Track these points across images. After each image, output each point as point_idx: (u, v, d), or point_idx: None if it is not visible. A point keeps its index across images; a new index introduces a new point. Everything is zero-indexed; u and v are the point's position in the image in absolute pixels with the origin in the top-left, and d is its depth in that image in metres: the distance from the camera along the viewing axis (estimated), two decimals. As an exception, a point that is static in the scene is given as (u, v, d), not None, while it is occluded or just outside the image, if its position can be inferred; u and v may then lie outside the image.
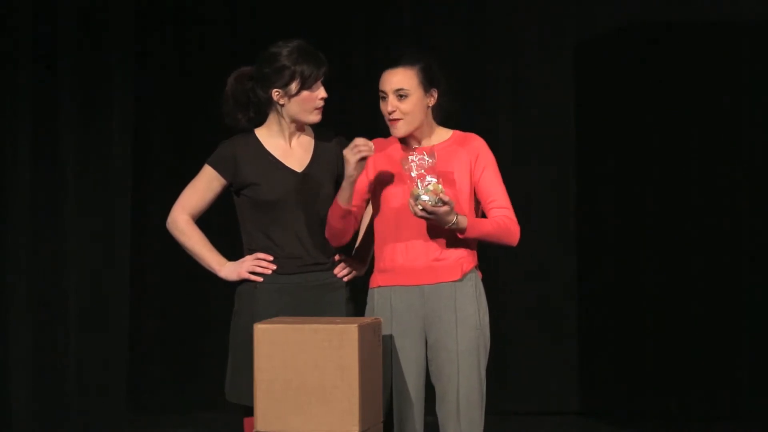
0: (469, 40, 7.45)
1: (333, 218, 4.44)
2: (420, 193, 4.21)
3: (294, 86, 4.47)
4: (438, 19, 7.53)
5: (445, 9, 7.54)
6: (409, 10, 7.58)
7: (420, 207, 4.21)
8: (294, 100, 4.48)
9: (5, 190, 7.07)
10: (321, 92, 4.50)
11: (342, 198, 4.39)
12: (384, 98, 4.41)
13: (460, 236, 4.34)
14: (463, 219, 4.30)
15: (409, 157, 4.25)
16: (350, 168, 4.32)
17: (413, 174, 4.22)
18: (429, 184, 4.21)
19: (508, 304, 7.40)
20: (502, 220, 4.39)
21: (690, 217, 7.40)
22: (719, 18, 7.38)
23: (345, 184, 4.36)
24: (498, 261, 7.25)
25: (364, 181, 4.45)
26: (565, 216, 7.55)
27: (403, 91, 4.38)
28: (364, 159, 4.31)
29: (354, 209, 4.42)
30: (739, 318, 7.36)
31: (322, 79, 4.50)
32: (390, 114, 4.40)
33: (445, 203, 4.21)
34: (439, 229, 4.32)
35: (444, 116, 4.51)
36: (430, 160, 4.23)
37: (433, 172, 4.23)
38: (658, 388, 7.41)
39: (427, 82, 4.40)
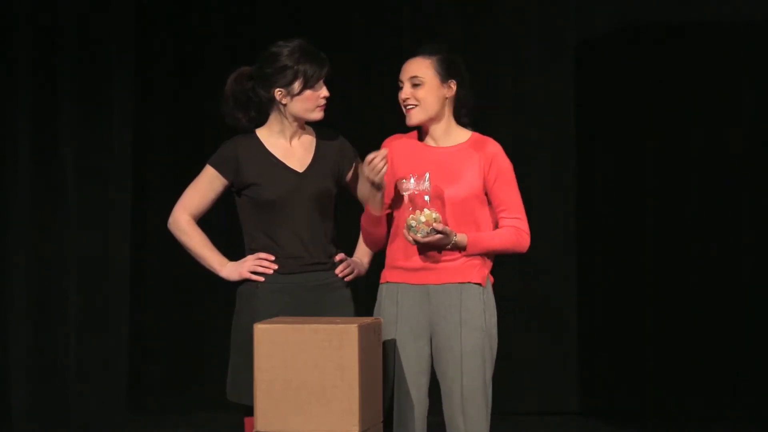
0: (468, 39, 7.44)
1: (368, 225, 4.41)
2: (412, 224, 4.24)
3: (297, 85, 4.47)
4: (437, 20, 7.52)
5: (445, 9, 7.54)
6: (409, 10, 7.58)
7: (411, 238, 4.24)
8: (297, 99, 4.48)
9: (5, 190, 7.07)
10: (323, 91, 4.51)
11: (374, 208, 4.35)
12: (401, 87, 4.41)
13: (462, 254, 4.34)
14: (462, 239, 4.31)
15: (404, 181, 4.26)
16: (376, 183, 4.26)
17: (406, 195, 4.25)
18: (422, 214, 4.23)
19: (508, 304, 7.35)
20: (508, 232, 4.40)
21: (690, 217, 7.40)
22: (719, 18, 7.38)
23: (377, 196, 4.30)
24: (498, 260, 7.24)
25: (390, 179, 4.41)
26: (565, 216, 7.54)
27: (417, 78, 4.37)
28: (383, 169, 4.25)
29: (387, 211, 4.41)
30: (740, 318, 7.35)
31: (324, 78, 4.50)
32: (405, 101, 4.39)
33: (438, 232, 4.23)
34: None
35: (464, 114, 4.48)
36: (426, 185, 4.24)
37: (428, 195, 4.25)
38: (658, 388, 7.40)
39: (445, 73, 4.38)
